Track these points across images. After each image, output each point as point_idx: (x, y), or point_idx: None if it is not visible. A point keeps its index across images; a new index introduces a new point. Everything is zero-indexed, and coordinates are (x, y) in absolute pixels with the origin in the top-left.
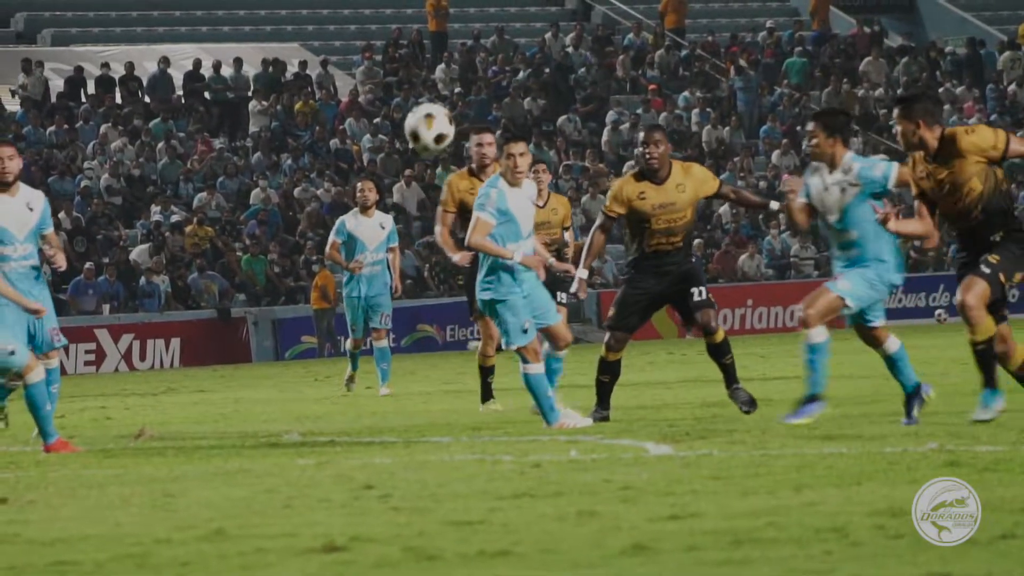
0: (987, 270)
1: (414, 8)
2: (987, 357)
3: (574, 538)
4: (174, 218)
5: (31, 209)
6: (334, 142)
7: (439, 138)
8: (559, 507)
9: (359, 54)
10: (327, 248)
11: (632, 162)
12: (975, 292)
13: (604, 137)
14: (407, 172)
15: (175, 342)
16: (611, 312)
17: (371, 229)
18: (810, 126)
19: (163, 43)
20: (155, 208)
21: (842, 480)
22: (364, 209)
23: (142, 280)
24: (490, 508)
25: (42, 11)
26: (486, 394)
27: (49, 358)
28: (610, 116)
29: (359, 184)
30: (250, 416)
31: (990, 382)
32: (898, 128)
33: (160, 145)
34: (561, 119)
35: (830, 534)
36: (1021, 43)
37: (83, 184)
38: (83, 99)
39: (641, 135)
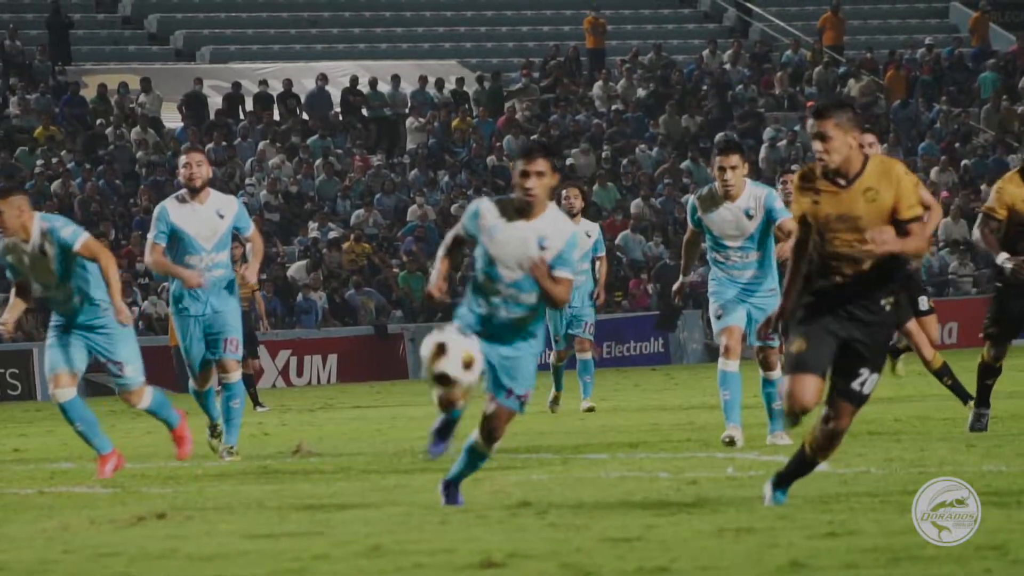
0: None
1: (571, 25)
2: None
3: (732, 555)
4: (331, 234)
5: (221, 216)
6: (491, 159)
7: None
8: (716, 524)
9: (517, 71)
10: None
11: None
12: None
13: (761, 154)
14: (562, 189)
15: (332, 358)
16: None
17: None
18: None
19: (321, 60)
20: (312, 224)
21: (1001, 498)
22: (570, 217)
23: (299, 296)
24: (647, 525)
25: (201, 29)
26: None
27: (228, 372)
28: (767, 133)
29: (564, 191)
30: (407, 433)
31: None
32: None
33: (318, 162)
34: (718, 136)
35: (989, 552)
36: None
37: (241, 200)
38: (241, 116)
39: None
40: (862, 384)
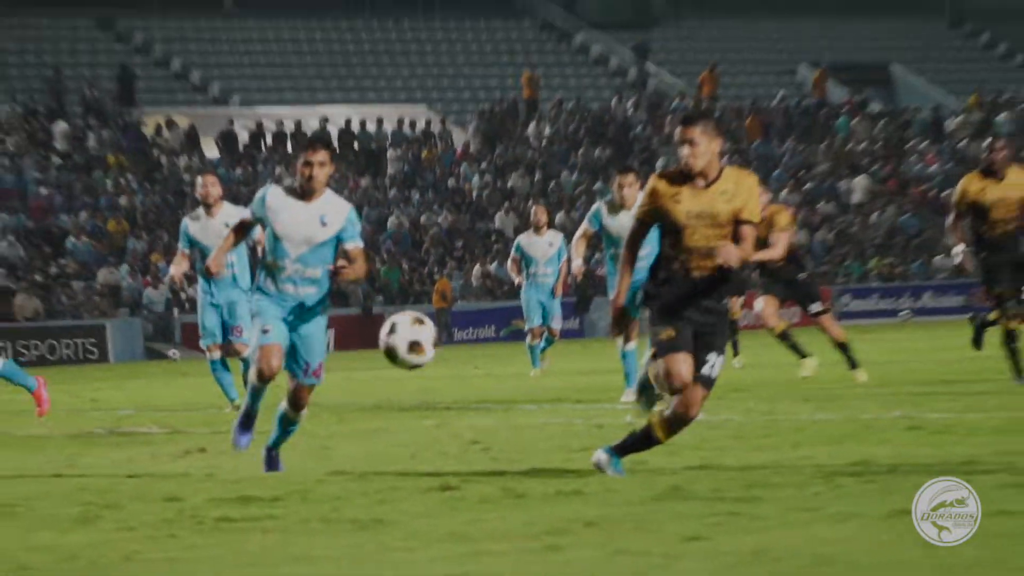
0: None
1: (512, 79)
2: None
3: (629, 482)
4: None
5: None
6: (451, 181)
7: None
8: None
9: (471, 114)
10: (508, 263)
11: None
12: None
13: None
14: (505, 205)
15: (330, 333)
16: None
17: (541, 247)
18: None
19: (323, 105)
20: None
21: (829, 440)
22: (537, 229)
23: None
24: (565, 459)
25: (232, 81)
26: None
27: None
28: (659, 163)
29: (534, 208)
30: (386, 389)
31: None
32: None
33: None
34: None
35: (820, 480)
36: (971, 110)
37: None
38: (263, 148)
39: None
40: (711, 368)
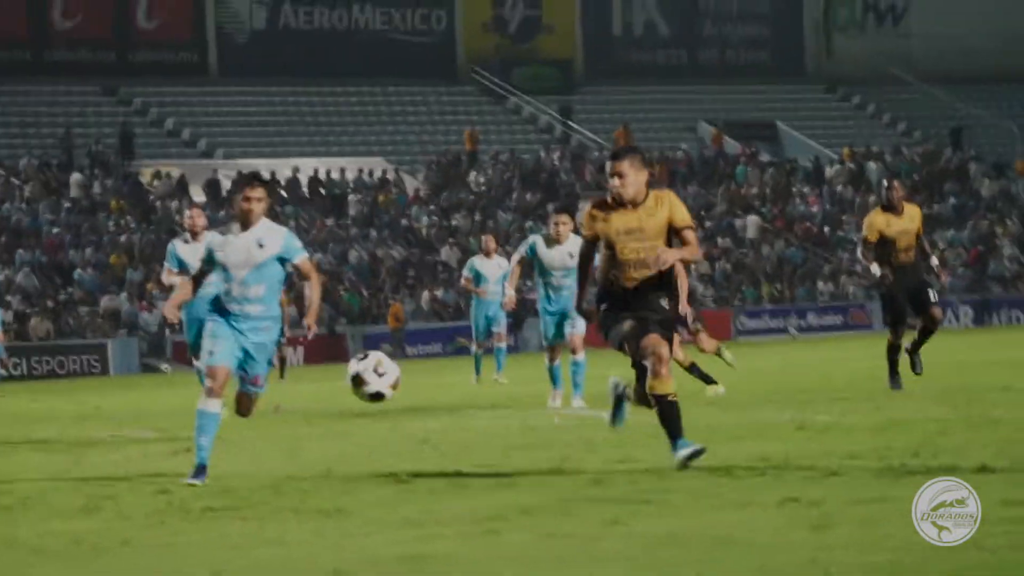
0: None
1: (456, 136)
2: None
3: (558, 474)
4: None
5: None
6: (403, 221)
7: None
8: (547, 455)
9: (421, 164)
10: (462, 281)
11: None
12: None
13: (577, 219)
14: (450, 240)
15: (300, 349)
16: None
17: (491, 268)
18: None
19: (295, 157)
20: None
21: (730, 438)
22: (486, 254)
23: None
24: (503, 455)
25: (217, 138)
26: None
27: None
28: (580, 204)
29: (484, 237)
30: (347, 399)
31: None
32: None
33: (292, 223)
34: (550, 206)
35: (722, 473)
36: (845, 161)
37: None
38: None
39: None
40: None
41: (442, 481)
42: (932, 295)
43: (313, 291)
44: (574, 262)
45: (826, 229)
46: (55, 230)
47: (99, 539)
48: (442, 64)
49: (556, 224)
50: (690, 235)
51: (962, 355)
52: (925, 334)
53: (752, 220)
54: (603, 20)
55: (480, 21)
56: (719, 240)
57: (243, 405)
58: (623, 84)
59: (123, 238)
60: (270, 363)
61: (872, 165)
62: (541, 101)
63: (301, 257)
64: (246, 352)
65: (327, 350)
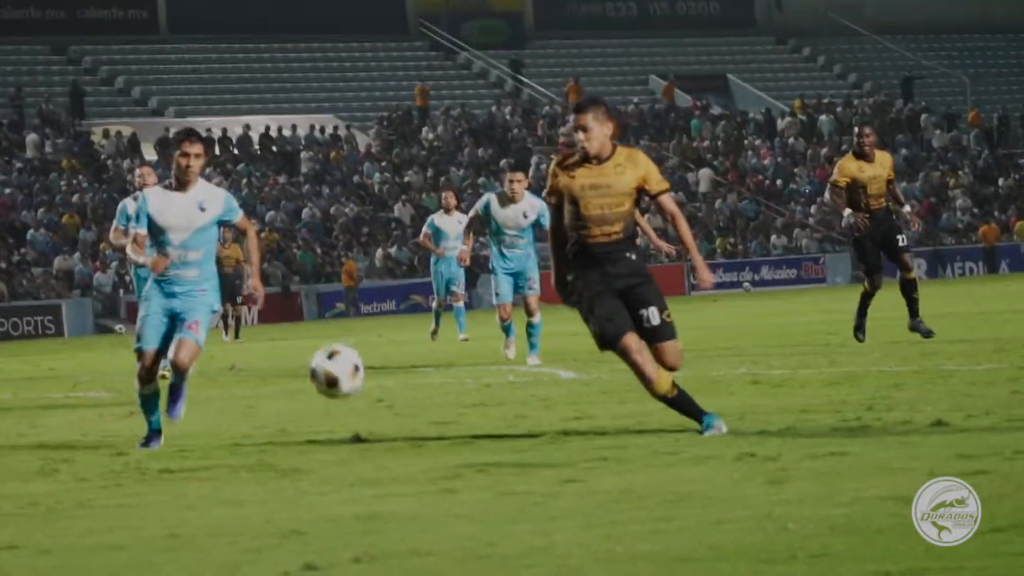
0: (673, 331)
1: (407, 91)
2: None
3: (513, 432)
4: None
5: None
6: (356, 177)
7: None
8: (502, 413)
9: (372, 121)
10: (421, 237)
11: None
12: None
13: (530, 175)
14: (403, 197)
15: (254, 309)
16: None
17: (451, 225)
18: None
19: (246, 115)
20: None
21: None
22: (447, 211)
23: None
24: (459, 413)
25: (169, 96)
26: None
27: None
28: (533, 160)
29: (444, 193)
30: (302, 357)
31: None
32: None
33: (244, 180)
34: (502, 162)
35: (678, 429)
36: (796, 113)
37: None
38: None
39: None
40: (649, 320)
41: (398, 440)
42: (901, 239)
43: (253, 251)
44: (527, 221)
45: (778, 182)
46: (7, 190)
47: (55, 501)
48: (392, 19)
49: (511, 182)
50: (668, 201)
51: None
52: (909, 293)
53: (704, 173)
54: None
55: None
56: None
57: (180, 358)
58: (573, 37)
59: (75, 198)
60: (213, 311)
61: (823, 118)
62: (491, 56)
63: (240, 216)
64: (182, 308)
65: (281, 309)
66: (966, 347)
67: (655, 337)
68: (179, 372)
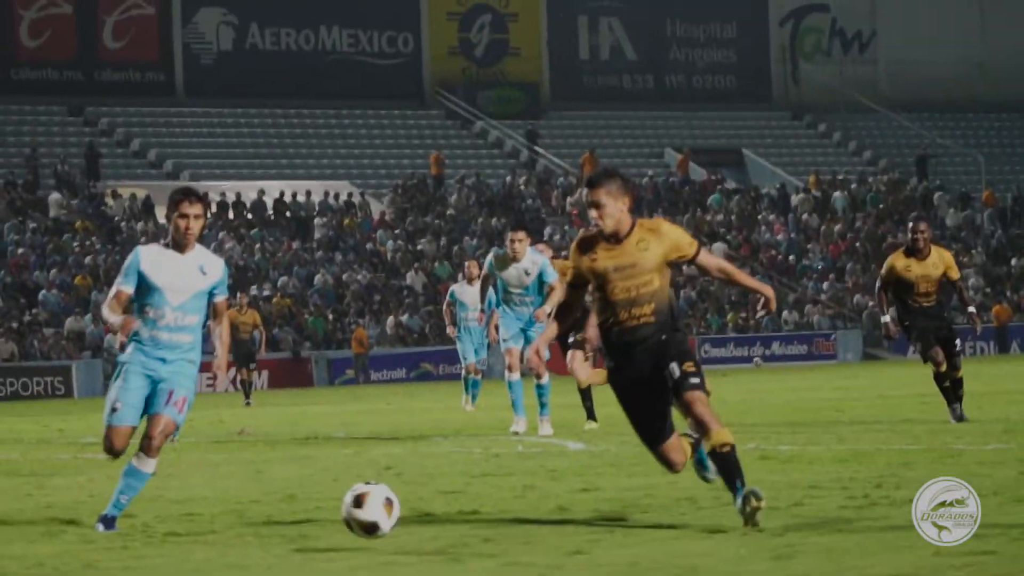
0: (696, 380)
1: (422, 160)
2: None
3: (520, 502)
4: (266, 293)
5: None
6: (369, 245)
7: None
8: (510, 483)
9: (387, 188)
10: (444, 308)
11: None
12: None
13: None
14: (415, 265)
15: (265, 373)
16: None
17: (472, 295)
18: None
19: (260, 180)
20: (253, 287)
21: (687, 467)
22: (468, 281)
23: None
24: (466, 482)
25: (184, 159)
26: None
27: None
28: (547, 230)
29: (467, 263)
30: (311, 422)
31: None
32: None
33: (257, 245)
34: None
35: (685, 502)
36: (811, 188)
37: None
38: (209, 215)
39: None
40: (672, 374)
41: (405, 507)
42: (957, 345)
43: (225, 333)
44: (530, 279)
45: (791, 258)
46: (20, 250)
47: (62, 563)
48: (409, 87)
49: (512, 241)
50: (707, 257)
51: (925, 387)
52: (956, 389)
53: (718, 247)
54: (570, 44)
55: (447, 44)
56: (683, 267)
57: (152, 437)
58: (589, 109)
59: (88, 259)
60: (193, 391)
61: (837, 194)
62: (507, 125)
63: (224, 297)
64: (167, 377)
65: (292, 374)
66: (975, 427)
67: (678, 390)
68: (149, 454)
